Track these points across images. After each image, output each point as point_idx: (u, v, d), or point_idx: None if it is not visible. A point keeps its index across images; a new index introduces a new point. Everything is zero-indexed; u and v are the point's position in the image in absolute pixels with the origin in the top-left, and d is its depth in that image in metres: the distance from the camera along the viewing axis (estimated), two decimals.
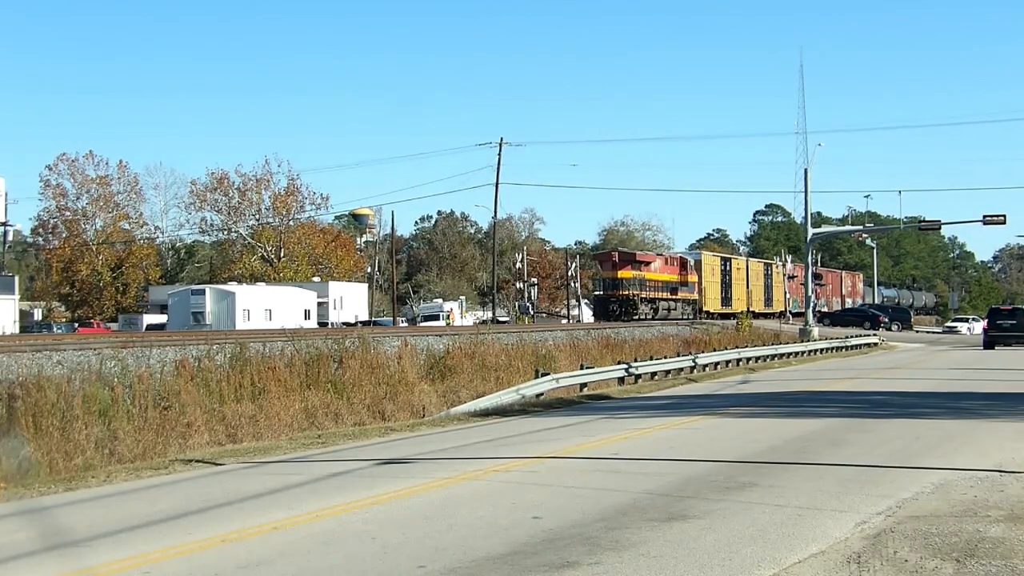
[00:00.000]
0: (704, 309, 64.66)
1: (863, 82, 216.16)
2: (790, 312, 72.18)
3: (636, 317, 56.10)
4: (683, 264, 64.80)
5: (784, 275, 75.94)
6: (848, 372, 33.35)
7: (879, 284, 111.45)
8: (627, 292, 58.28)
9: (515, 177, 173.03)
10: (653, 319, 56.34)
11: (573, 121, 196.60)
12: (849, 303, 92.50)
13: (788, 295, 75.71)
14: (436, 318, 72.45)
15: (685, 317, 59.89)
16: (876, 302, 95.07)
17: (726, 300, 69.08)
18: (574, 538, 8.67)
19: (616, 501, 10.27)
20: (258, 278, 79.55)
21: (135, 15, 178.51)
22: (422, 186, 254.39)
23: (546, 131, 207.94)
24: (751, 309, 69.84)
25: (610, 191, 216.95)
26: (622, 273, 59.00)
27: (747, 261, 76.69)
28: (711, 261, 69.46)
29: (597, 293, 62.31)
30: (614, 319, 54.31)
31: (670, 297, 62.18)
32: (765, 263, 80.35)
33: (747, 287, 72.84)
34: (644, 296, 59.17)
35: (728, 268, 71.04)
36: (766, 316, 69.84)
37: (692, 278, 64.80)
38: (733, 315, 63.57)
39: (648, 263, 61.68)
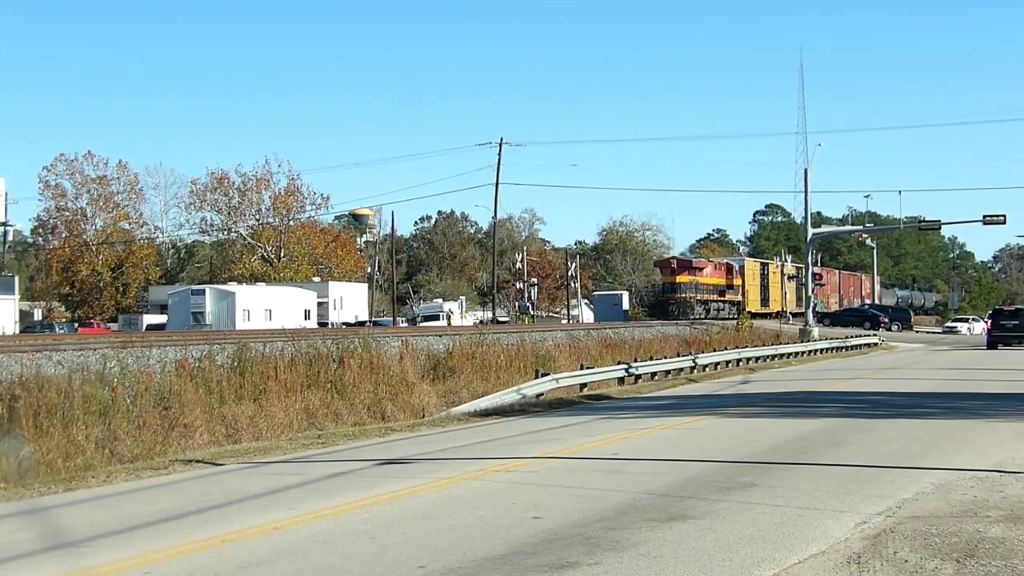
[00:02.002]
0: (746, 309, 70.14)
1: (863, 82, 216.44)
2: (790, 312, 73.48)
3: (692, 316, 61.65)
4: (729, 269, 71.99)
5: (786, 276, 78.48)
6: (848, 372, 33.34)
7: (893, 285, 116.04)
8: (684, 295, 65.12)
9: (515, 177, 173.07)
10: (705, 318, 62.24)
11: (573, 121, 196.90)
12: (868, 303, 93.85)
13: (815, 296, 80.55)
14: (436, 318, 72.45)
15: (731, 316, 65.87)
16: (891, 303, 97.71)
17: (764, 301, 74.57)
18: (574, 538, 8.67)
19: (616, 501, 10.27)
20: (258, 278, 79.52)
21: (135, 15, 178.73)
22: (422, 186, 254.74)
23: (546, 131, 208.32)
24: (785, 309, 75.58)
25: (610, 191, 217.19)
26: (679, 278, 65.78)
27: (781, 266, 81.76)
28: (752, 266, 75.48)
29: (657, 295, 69.75)
30: (672, 319, 58.90)
31: (719, 299, 69.09)
32: (796, 267, 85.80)
33: (782, 289, 78.30)
34: (698, 298, 66.02)
35: (766, 272, 76.87)
36: (799, 315, 72.05)
37: (737, 282, 71.81)
38: (771, 314, 70.29)
39: (701, 269, 69.03)
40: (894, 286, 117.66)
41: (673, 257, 78.27)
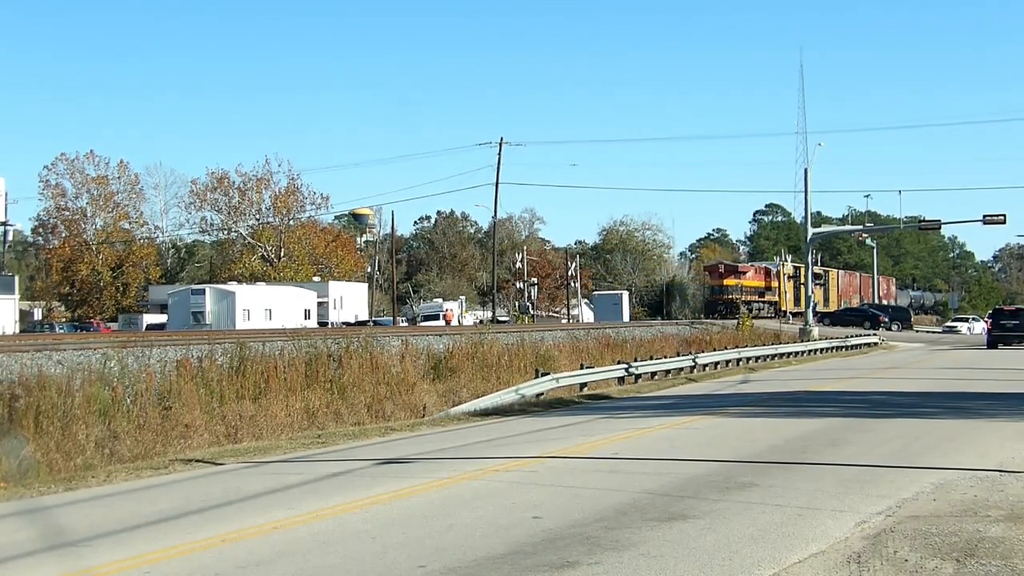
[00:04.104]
0: (782, 309, 77.52)
1: (863, 82, 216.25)
2: (790, 312, 74.92)
3: (737, 316, 66.79)
4: (767, 273, 79.78)
5: (786, 278, 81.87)
6: (848, 372, 33.34)
7: (907, 287, 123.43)
8: (730, 296, 72.82)
9: (515, 177, 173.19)
10: (748, 317, 67.97)
11: (573, 121, 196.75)
12: (885, 303, 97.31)
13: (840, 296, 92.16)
14: (436, 318, 72.47)
15: (770, 315, 73.40)
16: (905, 303, 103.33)
17: (797, 301, 79.62)
18: (574, 538, 8.67)
19: (616, 501, 10.27)
20: (258, 278, 79.51)
21: (135, 15, 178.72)
22: (422, 186, 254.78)
23: (546, 131, 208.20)
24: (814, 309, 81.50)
25: (610, 191, 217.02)
26: (727, 281, 73.93)
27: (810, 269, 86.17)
28: (787, 270, 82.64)
29: (706, 297, 77.02)
30: (720, 318, 64.56)
31: (759, 299, 76.66)
32: (824, 269, 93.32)
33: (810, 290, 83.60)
34: (742, 299, 73.05)
35: (798, 274, 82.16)
36: (799, 315, 75.63)
37: (775, 284, 79.32)
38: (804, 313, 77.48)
39: (744, 272, 77.53)
40: (907, 287, 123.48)
41: (721, 262, 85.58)
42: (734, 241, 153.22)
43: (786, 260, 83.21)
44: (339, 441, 16.51)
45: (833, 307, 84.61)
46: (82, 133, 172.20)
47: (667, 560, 7.91)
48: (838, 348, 48.82)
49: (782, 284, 79.15)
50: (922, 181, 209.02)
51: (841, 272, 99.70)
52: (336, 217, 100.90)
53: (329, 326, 57.48)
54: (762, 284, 78.21)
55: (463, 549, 8.35)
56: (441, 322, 67.59)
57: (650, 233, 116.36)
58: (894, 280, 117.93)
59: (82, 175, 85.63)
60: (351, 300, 74.13)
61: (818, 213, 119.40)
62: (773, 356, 41.00)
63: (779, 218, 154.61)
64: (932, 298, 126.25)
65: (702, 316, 67.91)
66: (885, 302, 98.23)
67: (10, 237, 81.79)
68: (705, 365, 34.17)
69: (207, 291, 63.99)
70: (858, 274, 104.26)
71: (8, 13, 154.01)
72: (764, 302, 77.07)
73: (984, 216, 55.38)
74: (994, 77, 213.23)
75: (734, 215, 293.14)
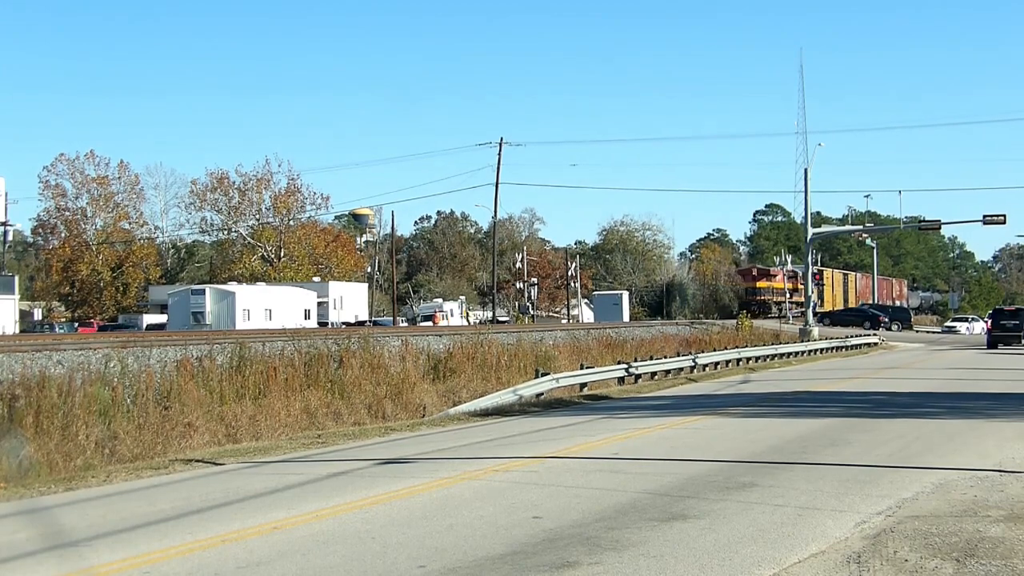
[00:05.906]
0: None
1: (863, 82, 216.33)
2: (790, 312, 75.68)
3: (769, 316, 75.03)
4: (793, 275, 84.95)
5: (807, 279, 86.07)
6: (848, 372, 33.34)
7: (915, 288, 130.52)
8: (763, 298, 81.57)
9: (515, 177, 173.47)
10: (778, 316, 74.23)
11: (573, 121, 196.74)
12: (899, 304, 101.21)
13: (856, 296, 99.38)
14: None
15: (797, 315, 76.81)
16: (916, 304, 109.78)
17: (822, 302, 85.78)
18: (574, 538, 8.67)
19: (616, 501, 10.27)
20: (258, 278, 79.41)
21: (135, 15, 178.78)
22: (422, 186, 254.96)
23: (546, 131, 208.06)
24: (835, 308, 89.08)
25: (610, 191, 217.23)
26: (759, 284, 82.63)
27: (832, 272, 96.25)
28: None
29: (740, 298, 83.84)
30: (753, 317, 68.69)
31: (788, 300, 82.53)
32: (844, 273, 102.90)
33: (832, 291, 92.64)
34: (774, 300, 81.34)
35: (822, 277, 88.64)
36: (800, 315, 78.48)
37: (800, 285, 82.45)
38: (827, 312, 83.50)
39: (775, 276, 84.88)
40: (916, 289, 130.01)
41: (753, 266, 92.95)
42: (734, 241, 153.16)
43: (786, 260, 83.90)
44: (339, 441, 16.52)
45: (852, 304, 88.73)
46: (82, 133, 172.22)
47: (667, 560, 7.92)
48: (838, 348, 48.84)
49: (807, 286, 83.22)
50: (922, 181, 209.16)
51: (859, 275, 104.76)
52: (336, 217, 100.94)
53: (329, 326, 57.43)
54: (790, 285, 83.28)
55: (463, 549, 8.35)
56: (443, 322, 67.53)
57: (650, 233, 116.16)
58: (905, 282, 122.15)
59: (82, 175, 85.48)
60: (351, 300, 74.03)
61: (818, 213, 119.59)
62: (773, 356, 41.01)
63: (779, 218, 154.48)
64: (940, 298, 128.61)
65: (739, 314, 70.71)
66: (898, 303, 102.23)
67: (10, 237, 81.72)
68: (705, 365, 34.17)
69: (207, 291, 63.86)
70: (871, 276, 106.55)
71: (8, 13, 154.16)
72: (791, 302, 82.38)
73: (984, 216, 55.42)
74: (995, 77, 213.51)
75: (734, 215, 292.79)
